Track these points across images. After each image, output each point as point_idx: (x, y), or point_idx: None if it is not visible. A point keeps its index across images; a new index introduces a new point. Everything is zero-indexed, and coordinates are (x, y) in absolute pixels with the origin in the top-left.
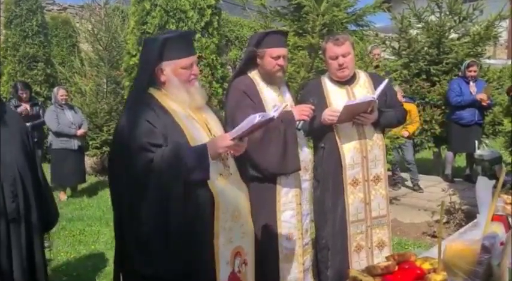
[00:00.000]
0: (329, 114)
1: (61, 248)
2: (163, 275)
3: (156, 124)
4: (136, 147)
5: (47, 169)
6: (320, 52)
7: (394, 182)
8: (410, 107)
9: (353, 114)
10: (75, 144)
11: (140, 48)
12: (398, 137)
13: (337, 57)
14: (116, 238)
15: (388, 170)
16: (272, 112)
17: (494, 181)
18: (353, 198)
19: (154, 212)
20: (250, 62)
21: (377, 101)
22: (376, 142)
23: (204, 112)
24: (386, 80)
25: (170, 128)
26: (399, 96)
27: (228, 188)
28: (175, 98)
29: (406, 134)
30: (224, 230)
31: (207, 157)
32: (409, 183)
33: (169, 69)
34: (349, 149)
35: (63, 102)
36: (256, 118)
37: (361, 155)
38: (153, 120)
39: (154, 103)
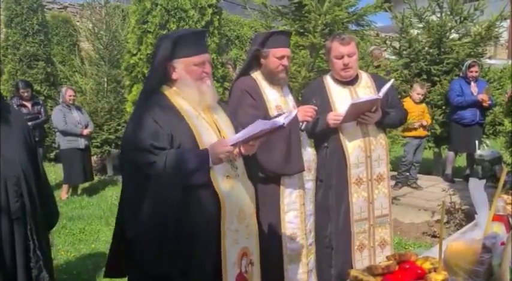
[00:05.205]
0: (332, 118)
1: (61, 247)
2: (154, 276)
3: (163, 124)
4: (140, 148)
5: (58, 169)
6: (321, 51)
7: (396, 181)
8: (423, 107)
9: (357, 114)
10: (82, 143)
11: (140, 47)
12: (418, 137)
13: (342, 57)
14: (116, 237)
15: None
16: (282, 119)
17: (485, 181)
18: (357, 197)
19: (152, 215)
20: (254, 62)
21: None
22: (380, 142)
23: (215, 112)
24: (391, 80)
25: (177, 127)
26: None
27: (234, 190)
28: (186, 96)
29: (424, 122)
30: (230, 231)
31: (207, 162)
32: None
33: (181, 66)
34: (353, 148)
35: (71, 102)
36: (265, 125)
37: (365, 154)
38: (160, 119)
39: (164, 101)
